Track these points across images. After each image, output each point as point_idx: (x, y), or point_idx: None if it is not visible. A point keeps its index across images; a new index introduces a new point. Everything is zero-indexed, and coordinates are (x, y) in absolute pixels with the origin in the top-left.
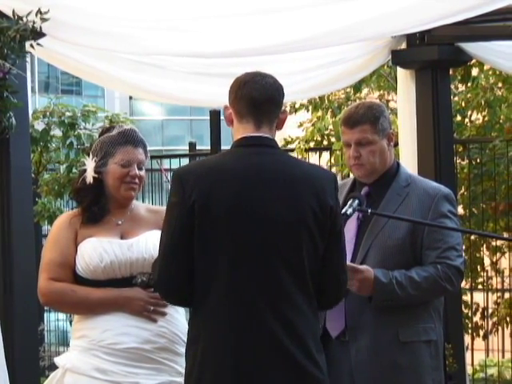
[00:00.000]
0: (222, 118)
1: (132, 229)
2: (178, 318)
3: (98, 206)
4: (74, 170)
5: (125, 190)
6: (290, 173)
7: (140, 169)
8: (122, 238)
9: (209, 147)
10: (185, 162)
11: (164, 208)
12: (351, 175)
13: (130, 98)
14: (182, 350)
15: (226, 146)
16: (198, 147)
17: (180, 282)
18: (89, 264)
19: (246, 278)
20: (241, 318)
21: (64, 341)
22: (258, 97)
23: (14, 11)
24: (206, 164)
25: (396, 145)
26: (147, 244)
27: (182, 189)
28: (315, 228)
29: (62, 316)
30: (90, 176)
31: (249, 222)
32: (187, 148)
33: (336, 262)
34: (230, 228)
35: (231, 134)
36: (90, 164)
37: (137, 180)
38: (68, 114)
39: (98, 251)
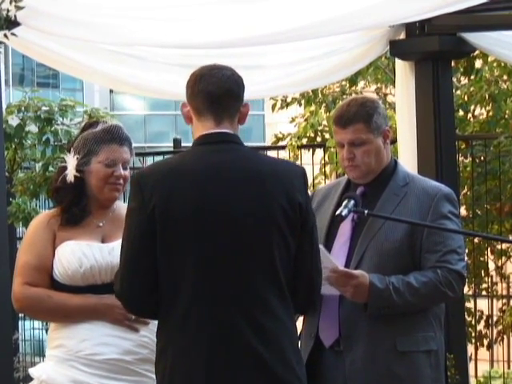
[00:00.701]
0: None
1: (114, 231)
2: None
3: (79, 207)
4: (50, 169)
5: (109, 190)
6: (255, 169)
7: (125, 168)
8: (103, 241)
9: None
10: None
11: None
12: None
13: (111, 91)
14: None
15: None
16: (183, 144)
17: (144, 291)
18: (67, 269)
19: (214, 284)
20: (210, 326)
21: (40, 351)
22: (216, 91)
23: None
24: (165, 166)
25: (394, 142)
26: None
27: (140, 193)
28: (285, 226)
29: (37, 324)
30: (71, 174)
31: (214, 224)
32: (172, 145)
33: (309, 261)
34: (194, 232)
35: None
36: (71, 161)
37: (121, 181)
38: (44, 108)
39: (76, 255)
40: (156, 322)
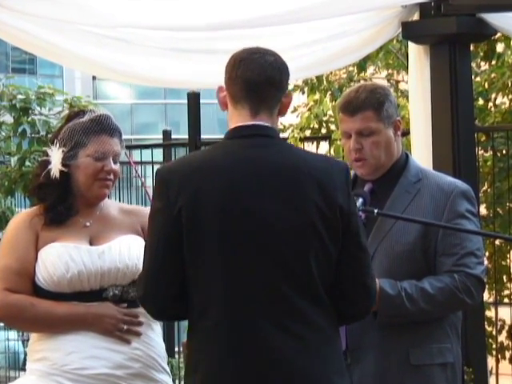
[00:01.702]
0: (201, 101)
1: (102, 232)
2: (154, 338)
3: (65, 205)
4: (27, 163)
5: (98, 187)
6: (292, 167)
7: (115, 162)
8: (90, 242)
9: (186, 136)
10: (158, 152)
11: (140, 207)
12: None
13: (94, 78)
14: (159, 376)
15: (205, 134)
16: (173, 136)
17: (170, 296)
18: (52, 274)
19: (247, 294)
20: (242, 340)
21: (15, 364)
22: (256, 78)
23: None
24: (193, 161)
25: (406, 134)
26: (121, 251)
27: (166, 192)
28: (323, 229)
29: (13, 335)
30: (56, 169)
31: (245, 229)
32: (161, 137)
33: (357, 266)
34: (223, 237)
35: (214, 120)
36: (55, 155)
37: (112, 176)
38: (20, 96)
39: (63, 259)
40: (149, 334)
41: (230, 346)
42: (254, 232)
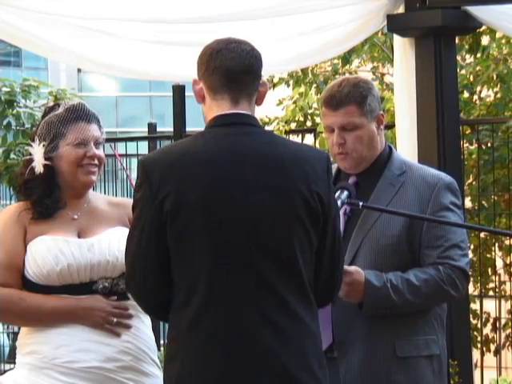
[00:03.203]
0: (186, 94)
1: (91, 225)
2: (144, 330)
3: (52, 198)
4: (12, 156)
5: (83, 174)
6: (275, 155)
7: (98, 148)
8: (79, 235)
9: (171, 128)
10: (143, 145)
11: (127, 199)
12: None
13: (79, 70)
14: (149, 368)
15: (191, 126)
16: (158, 129)
17: (156, 288)
18: (42, 268)
19: (231, 283)
20: (225, 328)
21: (1, 357)
22: (235, 67)
23: None
24: (174, 150)
25: (392, 127)
26: (110, 244)
27: (148, 182)
28: (307, 218)
29: None
30: (39, 164)
31: (230, 217)
32: (146, 130)
33: (330, 256)
34: (208, 225)
35: (199, 113)
36: (37, 150)
37: (96, 161)
38: (5, 89)
39: (53, 253)
40: (139, 326)
41: (213, 334)
42: (239, 221)
